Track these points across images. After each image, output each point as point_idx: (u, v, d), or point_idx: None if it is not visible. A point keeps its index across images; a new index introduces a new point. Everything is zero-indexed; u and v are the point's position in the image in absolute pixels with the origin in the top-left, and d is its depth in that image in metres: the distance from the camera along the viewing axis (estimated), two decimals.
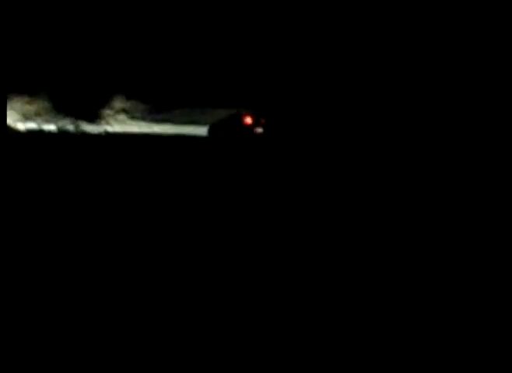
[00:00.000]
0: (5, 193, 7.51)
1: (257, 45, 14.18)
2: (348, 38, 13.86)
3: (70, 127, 14.08)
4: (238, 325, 5.23)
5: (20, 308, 5.37)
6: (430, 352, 4.83)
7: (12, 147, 9.50)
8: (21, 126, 14.12)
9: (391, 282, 6.23)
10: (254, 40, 14.18)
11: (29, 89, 14.14)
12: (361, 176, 10.09)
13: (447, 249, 7.11)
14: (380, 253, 6.99)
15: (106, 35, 14.33)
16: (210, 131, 13.70)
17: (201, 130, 13.66)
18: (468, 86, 13.20)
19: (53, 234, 7.37)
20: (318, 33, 13.96)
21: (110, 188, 9.31)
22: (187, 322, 5.26)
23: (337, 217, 8.20)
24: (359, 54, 13.82)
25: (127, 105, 14.55)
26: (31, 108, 14.23)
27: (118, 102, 14.53)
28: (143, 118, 14.43)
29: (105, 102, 14.45)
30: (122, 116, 14.49)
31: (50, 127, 14.17)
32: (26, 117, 14.23)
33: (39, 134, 13.83)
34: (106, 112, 14.48)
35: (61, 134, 13.85)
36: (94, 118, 14.34)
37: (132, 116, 14.50)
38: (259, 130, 13.80)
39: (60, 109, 14.25)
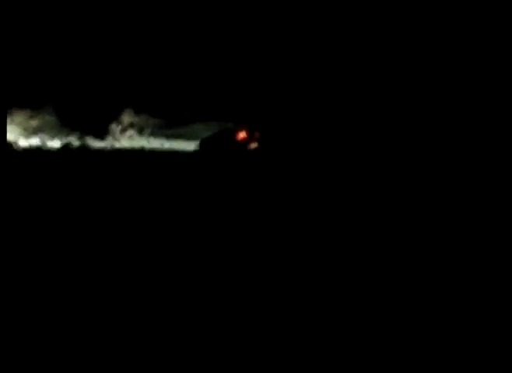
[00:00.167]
0: (6, 213, 7.71)
1: (257, 56, 14.05)
2: (342, 53, 13.90)
3: (76, 143, 13.88)
4: (238, 326, 5.40)
5: (20, 309, 5.57)
6: (430, 352, 4.96)
7: (13, 165, 9.64)
8: (23, 142, 13.82)
9: (391, 282, 6.39)
10: (251, 52, 14.02)
11: (31, 103, 13.86)
12: (358, 194, 10.24)
13: (446, 249, 7.29)
14: (380, 253, 7.19)
15: (114, 45, 14.10)
16: (201, 146, 13.54)
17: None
18: (468, 86, 13.26)
19: (59, 253, 7.41)
20: (312, 45, 13.96)
21: (118, 208, 9.34)
22: (187, 322, 5.45)
23: (333, 237, 8.30)
24: (355, 68, 13.88)
25: (136, 120, 14.31)
26: (34, 123, 13.93)
27: (127, 117, 14.29)
28: (153, 134, 14.24)
29: (113, 116, 14.22)
30: (131, 132, 14.29)
31: (55, 143, 13.93)
32: (29, 133, 13.92)
33: (42, 150, 13.60)
34: (114, 127, 14.24)
35: (66, 150, 13.67)
36: (101, 133, 14.13)
37: (142, 131, 14.32)
38: (253, 145, 13.58)
39: (65, 123, 13.99)
